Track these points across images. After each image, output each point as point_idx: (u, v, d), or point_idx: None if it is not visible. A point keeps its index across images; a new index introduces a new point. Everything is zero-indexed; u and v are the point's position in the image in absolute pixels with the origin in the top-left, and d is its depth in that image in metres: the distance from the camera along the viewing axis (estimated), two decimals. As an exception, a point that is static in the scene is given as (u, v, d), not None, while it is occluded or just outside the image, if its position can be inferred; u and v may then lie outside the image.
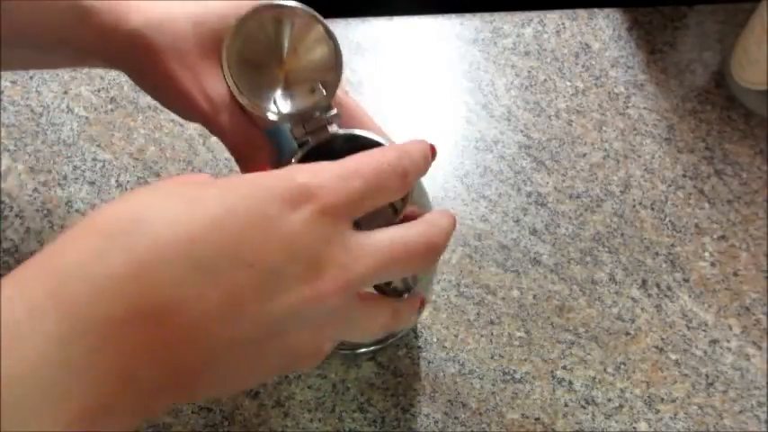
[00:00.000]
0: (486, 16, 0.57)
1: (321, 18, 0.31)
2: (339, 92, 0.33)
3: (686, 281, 0.47)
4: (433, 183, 0.50)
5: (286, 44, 0.31)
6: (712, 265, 0.48)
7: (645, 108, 0.54)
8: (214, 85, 0.32)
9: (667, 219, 0.49)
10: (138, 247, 0.21)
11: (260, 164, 0.33)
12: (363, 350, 0.43)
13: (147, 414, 0.23)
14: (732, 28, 0.57)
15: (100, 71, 0.53)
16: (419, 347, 0.44)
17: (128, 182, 0.49)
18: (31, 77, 0.53)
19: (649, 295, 0.46)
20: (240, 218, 0.23)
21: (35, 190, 0.48)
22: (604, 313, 0.46)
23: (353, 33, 0.55)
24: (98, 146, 0.50)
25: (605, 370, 0.44)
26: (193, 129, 0.51)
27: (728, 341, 0.45)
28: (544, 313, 0.46)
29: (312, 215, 0.24)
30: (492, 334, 0.45)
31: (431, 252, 0.27)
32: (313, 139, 0.32)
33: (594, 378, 0.44)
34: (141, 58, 0.32)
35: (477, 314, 0.45)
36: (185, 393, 0.23)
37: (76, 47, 0.34)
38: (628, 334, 0.45)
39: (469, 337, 0.45)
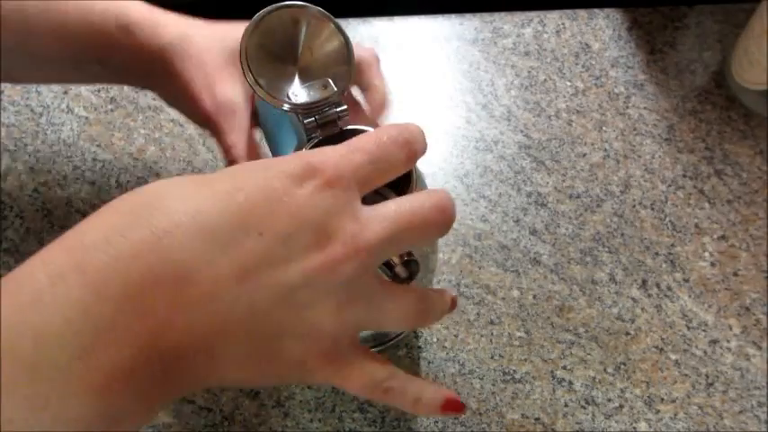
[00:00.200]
0: (486, 16, 0.57)
1: (335, 20, 0.33)
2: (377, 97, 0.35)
3: (686, 281, 0.47)
4: (433, 183, 0.50)
5: (301, 42, 0.33)
6: (712, 265, 0.48)
7: (645, 108, 0.54)
8: (224, 90, 0.35)
9: (667, 219, 0.49)
10: (154, 221, 0.23)
11: None
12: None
13: (166, 392, 0.24)
14: (732, 28, 0.57)
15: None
16: (419, 347, 0.45)
17: (128, 182, 0.49)
18: (31, 77, 0.53)
19: (649, 295, 0.46)
20: (248, 192, 0.24)
21: (35, 190, 0.48)
22: (604, 313, 0.46)
23: (353, 33, 0.55)
24: (98, 146, 0.50)
25: (605, 370, 0.44)
26: (193, 129, 0.51)
27: (728, 341, 0.45)
28: (544, 313, 0.46)
29: (317, 188, 0.25)
30: (492, 334, 0.45)
31: (440, 215, 0.27)
32: (322, 133, 0.33)
33: (594, 378, 0.44)
34: (168, 68, 0.36)
35: (477, 314, 0.45)
36: (204, 366, 0.24)
37: (113, 64, 0.39)
38: (628, 334, 0.45)
39: (469, 337, 0.45)
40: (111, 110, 0.52)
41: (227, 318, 0.23)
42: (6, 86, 0.52)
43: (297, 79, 0.34)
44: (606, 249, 0.48)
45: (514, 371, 0.44)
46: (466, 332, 0.45)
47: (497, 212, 0.49)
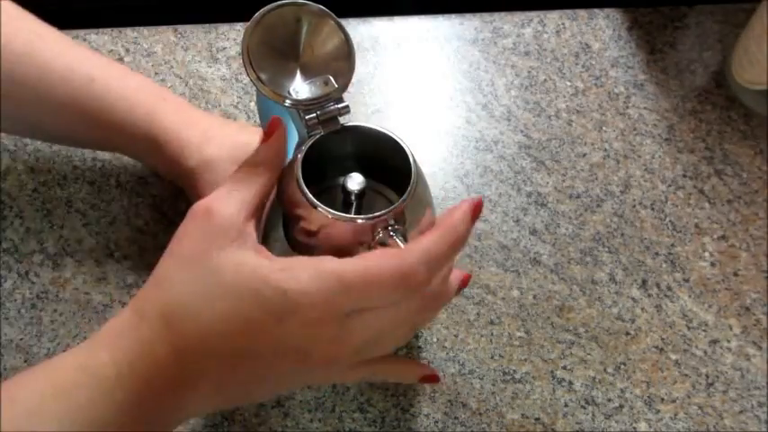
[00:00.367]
0: (486, 16, 0.57)
1: (335, 17, 0.34)
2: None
3: (686, 281, 0.47)
4: (433, 183, 0.50)
5: (302, 39, 0.34)
6: (712, 265, 0.48)
7: (645, 108, 0.54)
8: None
9: (667, 219, 0.49)
10: (175, 339, 0.30)
11: None
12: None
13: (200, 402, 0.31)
14: (732, 28, 0.57)
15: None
16: (419, 347, 0.44)
17: (128, 182, 0.49)
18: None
19: (649, 295, 0.46)
20: (240, 321, 0.29)
21: (35, 190, 0.48)
22: (604, 313, 0.46)
23: (353, 33, 0.55)
24: (98, 146, 0.50)
25: (605, 370, 0.44)
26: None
27: (728, 341, 0.45)
28: (544, 313, 0.46)
29: (299, 325, 0.29)
30: (492, 334, 0.45)
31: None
32: (324, 129, 0.34)
33: (594, 378, 0.44)
34: (194, 185, 0.42)
35: (477, 314, 0.45)
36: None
37: (148, 165, 0.48)
38: (628, 334, 0.45)
39: (469, 337, 0.45)
40: (111, 110, 0.52)
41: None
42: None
43: (298, 76, 0.34)
44: (606, 249, 0.48)
45: (514, 371, 0.44)
46: (466, 332, 0.45)
47: (497, 212, 0.49)
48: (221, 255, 0.29)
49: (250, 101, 0.52)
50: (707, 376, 0.44)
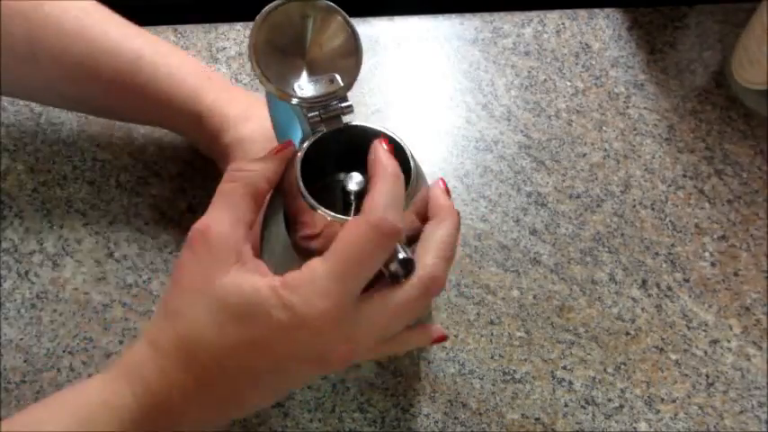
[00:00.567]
0: (486, 16, 0.57)
1: (343, 12, 0.34)
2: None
3: (686, 281, 0.47)
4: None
5: (309, 36, 0.34)
6: (712, 265, 0.48)
7: (645, 108, 0.54)
8: None
9: (667, 219, 0.49)
10: (194, 369, 0.31)
11: None
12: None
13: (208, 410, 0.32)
14: (732, 28, 0.57)
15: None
16: (419, 347, 0.44)
17: (128, 182, 0.49)
18: (30, 77, 0.53)
19: (649, 295, 0.46)
20: (253, 342, 0.30)
21: (35, 190, 0.48)
22: (604, 313, 0.46)
23: (353, 33, 0.55)
24: (98, 146, 0.50)
25: (605, 370, 0.44)
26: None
27: (729, 341, 0.45)
28: (544, 313, 0.46)
29: (308, 334, 0.30)
30: (492, 334, 0.45)
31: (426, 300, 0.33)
32: (327, 127, 0.34)
33: (594, 378, 0.44)
34: (227, 162, 0.41)
35: (477, 314, 0.45)
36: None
37: (190, 140, 0.48)
38: (628, 334, 0.45)
39: (469, 337, 0.45)
40: (111, 110, 0.52)
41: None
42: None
43: (305, 73, 0.34)
44: (606, 249, 0.48)
45: (514, 371, 0.44)
46: (466, 332, 0.45)
47: (497, 212, 0.49)
48: (224, 280, 0.30)
49: (250, 101, 0.52)
50: (707, 376, 0.44)
